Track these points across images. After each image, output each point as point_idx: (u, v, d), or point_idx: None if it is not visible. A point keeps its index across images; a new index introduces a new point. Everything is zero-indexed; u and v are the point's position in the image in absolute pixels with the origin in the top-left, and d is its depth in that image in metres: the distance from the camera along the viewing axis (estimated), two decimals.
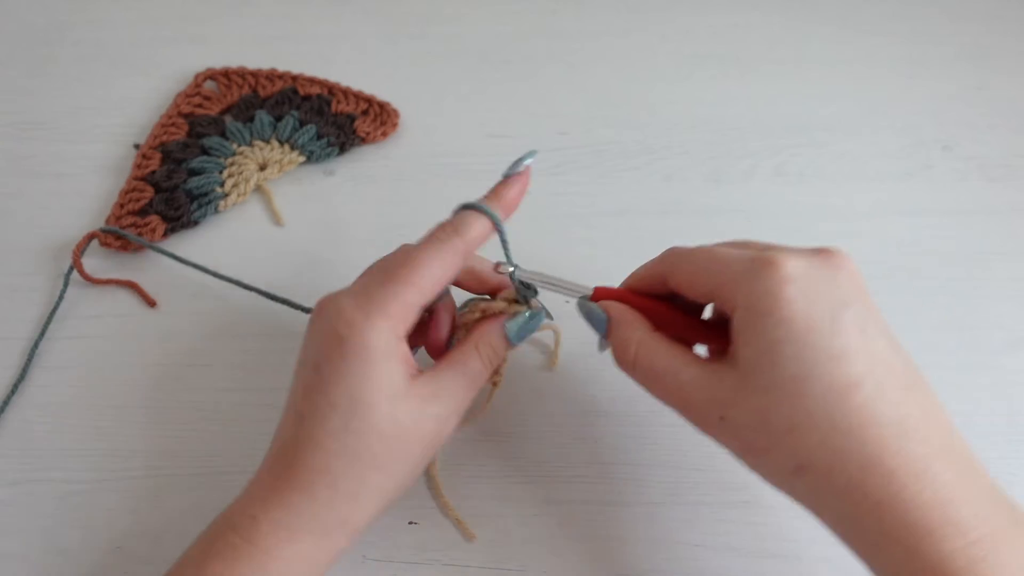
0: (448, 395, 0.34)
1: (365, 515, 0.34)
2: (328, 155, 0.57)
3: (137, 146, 0.57)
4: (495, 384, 0.43)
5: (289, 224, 0.54)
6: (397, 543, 0.40)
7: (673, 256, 0.35)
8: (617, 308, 0.35)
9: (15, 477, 0.42)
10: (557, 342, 0.47)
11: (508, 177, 0.37)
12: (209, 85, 0.62)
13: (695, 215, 0.54)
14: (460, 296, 0.40)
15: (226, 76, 0.62)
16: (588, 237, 0.53)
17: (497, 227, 0.36)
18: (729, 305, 0.31)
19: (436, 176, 0.56)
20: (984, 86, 0.63)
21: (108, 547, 0.40)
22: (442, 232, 0.35)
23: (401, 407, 0.32)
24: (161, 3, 0.69)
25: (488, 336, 0.37)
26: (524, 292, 0.38)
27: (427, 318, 0.39)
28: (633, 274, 0.37)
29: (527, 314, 0.37)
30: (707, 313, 0.37)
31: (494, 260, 0.41)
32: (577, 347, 0.47)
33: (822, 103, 0.61)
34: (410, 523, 0.41)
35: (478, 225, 0.35)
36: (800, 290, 0.29)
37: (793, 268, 0.29)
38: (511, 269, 0.37)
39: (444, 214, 0.37)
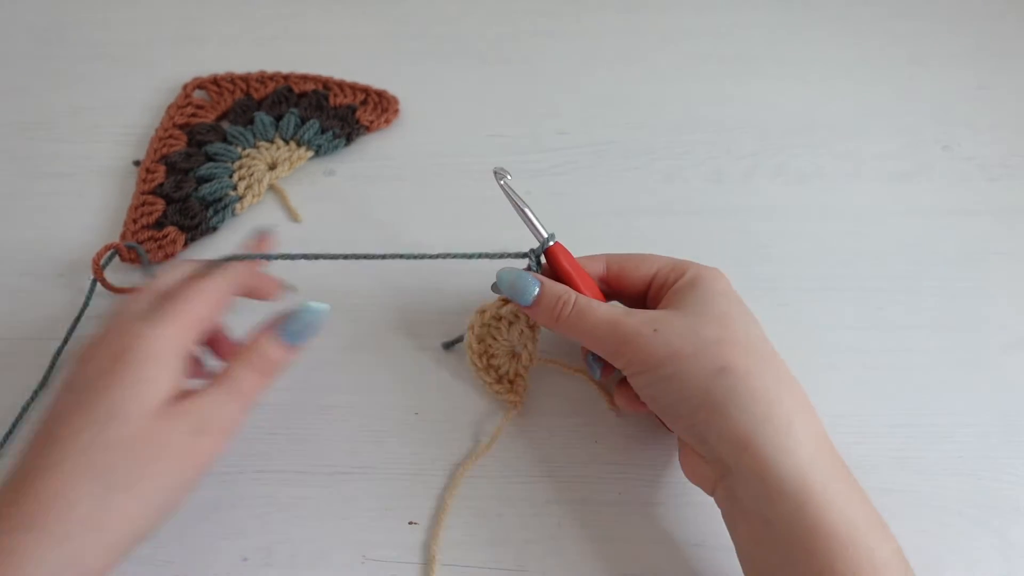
0: (209, 413, 0.33)
1: (105, 552, 0.30)
2: (336, 147, 0.57)
3: (137, 162, 0.56)
4: (515, 405, 0.44)
5: (306, 220, 0.54)
6: (397, 543, 0.40)
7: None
8: (547, 280, 0.41)
9: None
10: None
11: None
12: (199, 94, 0.61)
13: (695, 215, 0.54)
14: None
15: (215, 83, 0.61)
16: (588, 237, 0.52)
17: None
18: (677, 275, 0.40)
19: (438, 175, 0.56)
20: (984, 86, 0.63)
21: None
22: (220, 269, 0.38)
23: (155, 424, 0.32)
24: (161, 4, 0.69)
25: (258, 344, 0.36)
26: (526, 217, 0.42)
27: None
28: (609, 255, 0.44)
29: (296, 311, 0.37)
30: None
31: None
32: (575, 348, 0.47)
33: (822, 103, 0.61)
34: (410, 523, 0.41)
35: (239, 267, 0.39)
36: (725, 278, 0.41)
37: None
38: (504, 176, 0.42)
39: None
